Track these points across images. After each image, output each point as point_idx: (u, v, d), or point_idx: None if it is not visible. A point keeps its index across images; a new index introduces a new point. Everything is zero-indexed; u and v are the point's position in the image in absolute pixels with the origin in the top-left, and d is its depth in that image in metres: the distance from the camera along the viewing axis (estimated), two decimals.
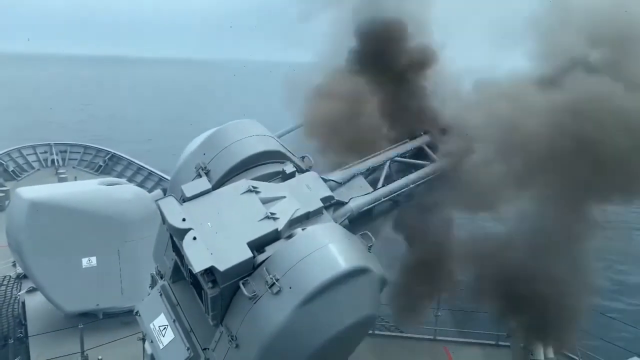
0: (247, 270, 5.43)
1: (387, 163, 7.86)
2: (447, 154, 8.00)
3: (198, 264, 5.18)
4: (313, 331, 5.33)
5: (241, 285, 5.38)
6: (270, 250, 5.59)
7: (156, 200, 5.77)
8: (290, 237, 5.66)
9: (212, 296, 5.40)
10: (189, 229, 5.44)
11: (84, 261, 11.61)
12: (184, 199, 5.87)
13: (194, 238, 5.37)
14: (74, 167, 23.57)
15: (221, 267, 5.21)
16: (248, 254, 5.39)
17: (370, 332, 11.30)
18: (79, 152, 24.66)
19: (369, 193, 7.17)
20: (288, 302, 5.19)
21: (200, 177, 6.28)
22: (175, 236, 5.67)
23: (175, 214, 5.60)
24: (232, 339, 5.50)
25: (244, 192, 5.93)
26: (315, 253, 5.38)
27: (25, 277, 13.43)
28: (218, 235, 5.48)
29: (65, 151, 24.58)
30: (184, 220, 5.52)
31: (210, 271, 5.28)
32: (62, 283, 11.35)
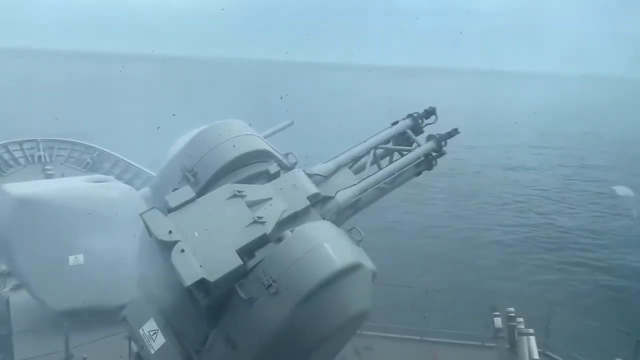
0: (239, 277, 5.42)
1: (372, 151, 7.73)
2: (431, 136, 7.89)
3: (188, 278, 5.12)
4: (311, 329, 5.39)
5: (237, 288, 5.37)
6: (260, 254, 5.60)
7: (141, 214, 5.64)
8: (279, 240, 5.68)
9: (206, 305, 5.38)
10: (176, 241, 5.37)
11: (71, 259, 11.51)
12: (168, 209, 5.79)
13: (182, 250, 5.29)
14: (61, 164, 23.22)
15: (212, 278, 5.19)
16: (238, 261, 5.38)
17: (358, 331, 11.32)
18: (67, 149, 24.27)
19: (355, 185, 7.09)
20: (286, 302, 5.23)
21: (188, 180, 6.24)
22: (162, 249, 5.55)
23: (160, 226, 5.49)
24: (228, 341, 5.50)
25: (229, 198, 5.88)
26: (309, 252, 5.40)
27: (9, 274, 13.28)
28: (206, 245, 5.43)
29: (53, 147, 24.19)
30: (170, 232, 5.44)
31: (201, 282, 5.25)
32: (48, 281, 11.24)
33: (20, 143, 24.41)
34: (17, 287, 12.77)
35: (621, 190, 38.96)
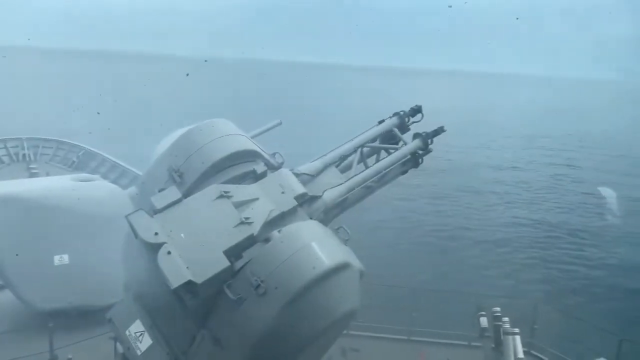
0: (226, 278, 5.39)
1: (358, 150, 7.68)
2: (418, 135, 7.88)
3: (174, 280, 5.08)
4: (300, 329, 5.39)
5: (225, 289, 5.35)
6: (248, 255, 5.58)
7: (126, 216, 5.59)
8: (267, 240, 5.67)
9: (194, 307, 5.36)
10: (163, 243, 5.32)
11: (56, 258, 11.40)
12: (154, 210, 5.73)
13: (169, 252, 5.25)
14: (46, 163, 22.99)
15: (199, 280, 5.15)
16: (225, 263, 5.35)
17: (344, 331, 11.35)
18: (52, 147, 24.02)
19: (342, 184, 7.06)
20: (275, 302, 5.22)
21: (174, 180, 6.20)
22: (148, 251, 5.50)
23: (146, 228, 5.44)
24: (216, 341, 5.48)
25: (216, 198, 5.85)
26: (297, 252, 5.39)
27: None
28: (193, 246, 5.39)
29: (37, 146, 23.94)
30: (156, 234, 5.39)
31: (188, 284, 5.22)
32: (32, 280, 11.13)
33: (4, 141, 24.09)
34: (0, 288, 12.63)
35: (605, 191, 39.77)
